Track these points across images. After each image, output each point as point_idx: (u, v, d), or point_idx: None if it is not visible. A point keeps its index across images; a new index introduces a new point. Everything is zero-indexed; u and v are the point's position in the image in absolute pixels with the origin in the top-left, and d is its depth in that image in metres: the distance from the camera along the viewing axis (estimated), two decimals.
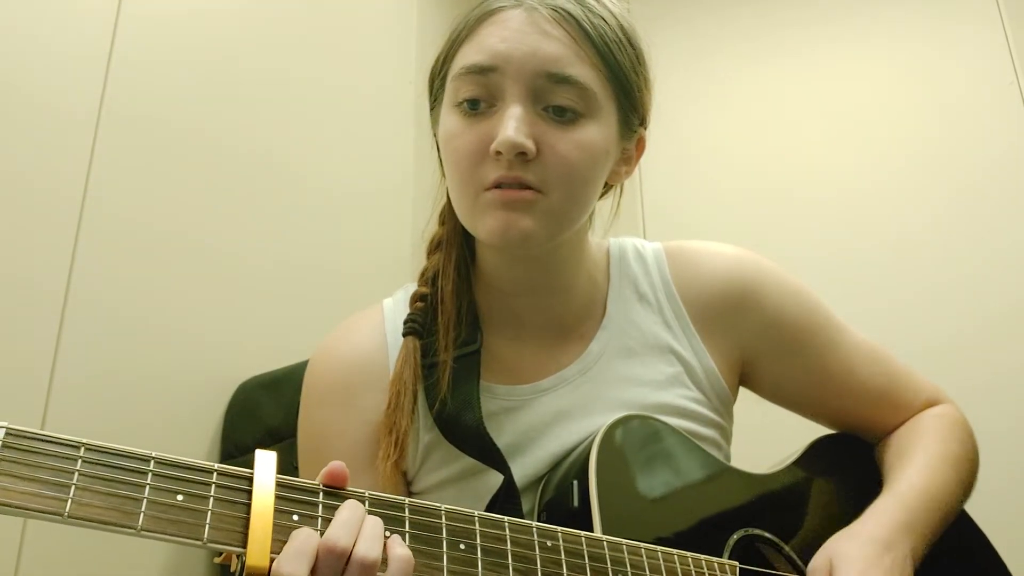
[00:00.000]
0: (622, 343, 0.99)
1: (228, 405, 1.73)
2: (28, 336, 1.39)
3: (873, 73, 2.70)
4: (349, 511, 0.64)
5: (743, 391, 1.08)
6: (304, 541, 0.61)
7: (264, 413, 1.67)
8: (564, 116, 0.86)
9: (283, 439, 1.59)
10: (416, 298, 0.96)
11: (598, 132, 0.88)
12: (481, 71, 0.86)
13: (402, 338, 0.94)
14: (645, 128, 0.97)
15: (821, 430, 1.11)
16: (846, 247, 2.54)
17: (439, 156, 1.00)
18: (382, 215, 2.27)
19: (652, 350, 0.99)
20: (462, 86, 0.88)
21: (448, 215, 0.99)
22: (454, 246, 0.97)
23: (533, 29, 0.86)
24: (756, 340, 1.02)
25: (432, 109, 0.98)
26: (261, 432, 1.64)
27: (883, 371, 1.06)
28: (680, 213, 2.77)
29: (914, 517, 0.91)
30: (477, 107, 0.87)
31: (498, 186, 0.85)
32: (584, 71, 0.87)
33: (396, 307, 1.00)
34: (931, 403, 1.08)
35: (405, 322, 0.95)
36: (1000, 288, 2.35)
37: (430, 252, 1.00)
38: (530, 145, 0.84)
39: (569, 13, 0.87)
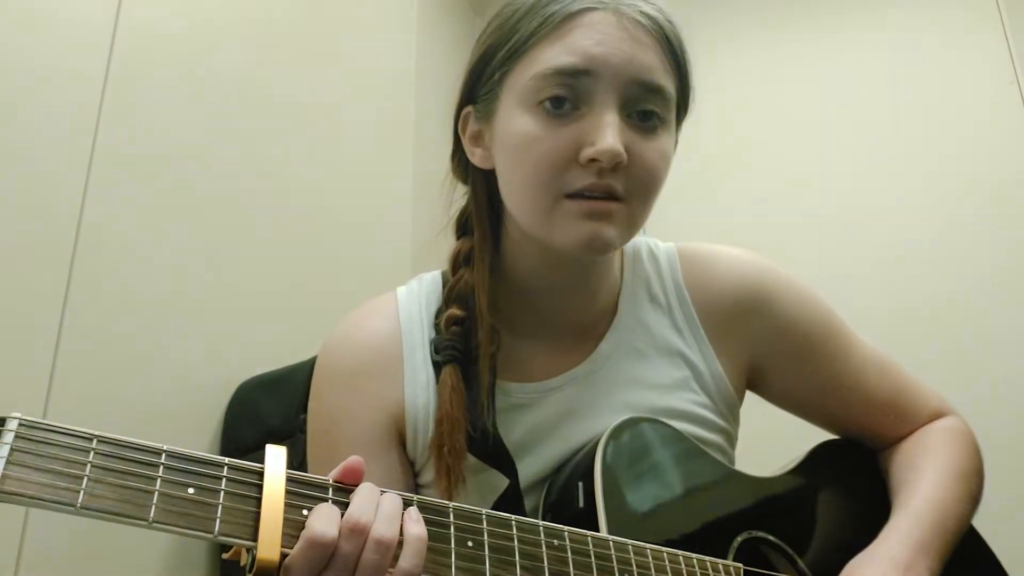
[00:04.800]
0: (631, 344, 0.98)
1: (228, 405, 1.73)
2: (28, 336, 1.38)
3: (873, 73, 2.71)
4: (368, 489, 0.66)
5: (748, 395, 1.08)
6: (330, 507, 0.63)
7: (264, 413, 1.67)
8: (649, 122, 0.86)
9: (283, 439, 1.59)
10: (450, 321, 0.92)
11: (670, 141, 0.90)
12: (574, 74, 0.83)
13: (441, 363, 0.91)
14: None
15: (823, 435, 1.12)
16: (845, 247, 2.54)
17: (454, 156, 0.98)
18: (382, 215, 2.28)
19: (661, 353, 0.99)
20: (547, 86, 0.84)
21: (477, 221, 0.96)
22: (486, 256, 0.94)
23: (627, 35, 0.85)
24: (766, 346, 1.02)
25: (476, 103, 0.93)
26: (261, 432, 1.64)
27: (891, 381, 1.06)
28: (680, 213, 2.75)
29: (931, 535, 0.91)
30: (562, 107, 0.84)
31: (582, 193, 0.83)
32: (668, 82, 0.87)
33: (410, 296, 0.99)
34: (937, 414, 1.08)
35: (442, 349, 0.91)
36: (1000, 289, 2.35)
37: (456, 267, 0.96)
38: (625, 156, 0.83)
39: (655, 21, 0.87)
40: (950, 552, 0.93)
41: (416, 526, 0.66)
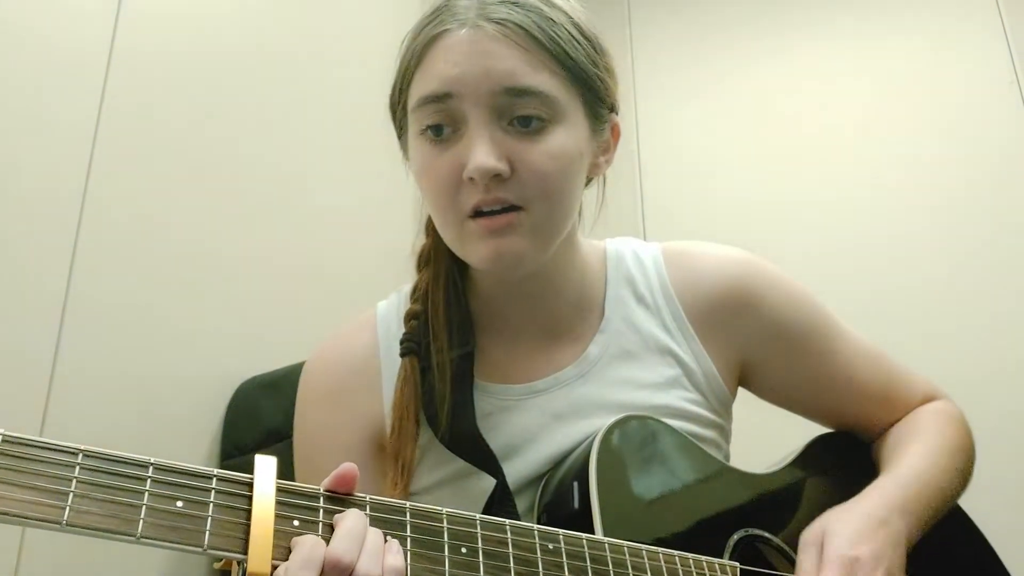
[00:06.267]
0: (620, 346, 0.98)
1: (228, 405, 1.73)
2: (28, 337, 1.39)
3: (873, 73, 2.70)
4: (353, 521, 0.64)
5: (741, 391, 1.08)
6: (312, 550, 0.61)
7: (264, 413, 1.67)
8: (530, 126, 0.84)
9: (283, 439, 1.59)
10: (410, 316, 0.95)
11: (568, 136, 0.87)
12: (438, 99, 0.85)
13: (399, 356, 0.93)
14: (616, 113, 0.96)
15: (818, 429, 1.11)
16: (844, 247, 2.54)
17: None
18: (381, 215, 2.27)
19: (651, 352, 0.98)
20: (423, 116, 0.86)
21: (433, 228, 0.98)
22: (442, 259, 0.97)
23: (480, 48, 0.84)
24: (755, 343, 1.02)
25: (400, 138, 0.97)
26: (261, 432, 1.64)
27: (882, 371, 1.07)
28: (680, 213, 2.77)
29: (911, 497, 0.92)
30: (442, 133, 0.85)
31: (479, 212, 0.84)
32: (542, 78, 0.85)
33: (389, 310, 1.01)
34: (928, 399, 1.08)
35: (401, 342, 0.94)
36: (999, 288, 2.35)
37: (419, 267, 1.00)
38: (503, 166, 0.83)
39: (515, 23, 0.85)
40: (932, 518, 0.94)
41: (395, 558, 0.64)
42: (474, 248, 0.86)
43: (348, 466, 0.67)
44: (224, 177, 1.82)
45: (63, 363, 1.42)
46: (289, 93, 2.05)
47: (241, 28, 1.94)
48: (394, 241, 2.25)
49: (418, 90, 0.87)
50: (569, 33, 0.88)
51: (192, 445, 1.64)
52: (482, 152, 0.82)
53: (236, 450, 1.66)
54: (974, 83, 2.54)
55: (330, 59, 2.22)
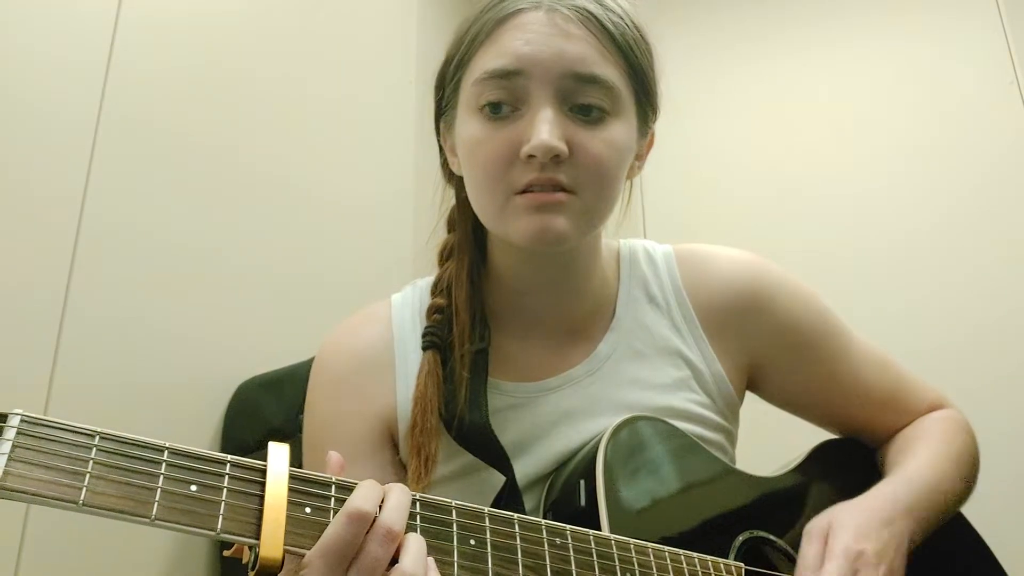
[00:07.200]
0: (631, 345, 0.99)
1: (228, 405, 1.73)
2: (28, 337, 1.38)
3: (873, 74, 2.71)
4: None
5: (748, 396, 1.08)
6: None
7: (264, 413, 1.66)
8: (590, 115, 0.86)
9: (284, 439, 1.58)
10: (433, 310, 0.96)
11: (623, 130, 0.89)
12: (506, 75, 0.85)
13: (421, 350, 0.94)
14: (655, 122, 0.98)
15: (824, 434, 1.12)
16: (846, 248, 2.54)
17: (442, 164, 1.00)
18: (382, 215, 2.27)
19: (660, 353, 0.99)
20: (485, 91, 0.87)
21: (459, 220, 0.99)
22: (466, 252, 0.97)
23: (556, 30, 0.86)
24: (765, 346, 1.02)
25: (442, 116, 0.97)
26: (262, 432, 1.64)
27: (889, 377, 1.07)
28: (681, 214, 2.77)
29: (916, 500, 0.92)
30: (500, 111, 0.86)
31: (529, 189, 0.85)
32: (609, 70, 0.87)
33: (404, 303, 1.01)
34: (934, 407, 1.09)
35: (424, 335, 0.94)
36: (1000, 288, 2.35)
37: (442, 260, 1.00)
38: (563, 147, 0.83)
39: (590, 12, 0.87)
40: (934, 523, 0.94)
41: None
42: (517, 223, 0.86)
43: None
44: (223, 178, 1.82)
45: (63, 364, 1.41)
46: (288, 94, 2.05)
47: (241, 30, 1.95)
48: (395, 242, 2.27)
49: (484, 64, 0.87)
50: (634, 33, 0.90)
51: (192, 445, 1.62)
52: (546, 131, 0.83)
53: (237, 450, 1.64)
54: (974, 83, 2.55)
55: (331, 62, 2.22)
